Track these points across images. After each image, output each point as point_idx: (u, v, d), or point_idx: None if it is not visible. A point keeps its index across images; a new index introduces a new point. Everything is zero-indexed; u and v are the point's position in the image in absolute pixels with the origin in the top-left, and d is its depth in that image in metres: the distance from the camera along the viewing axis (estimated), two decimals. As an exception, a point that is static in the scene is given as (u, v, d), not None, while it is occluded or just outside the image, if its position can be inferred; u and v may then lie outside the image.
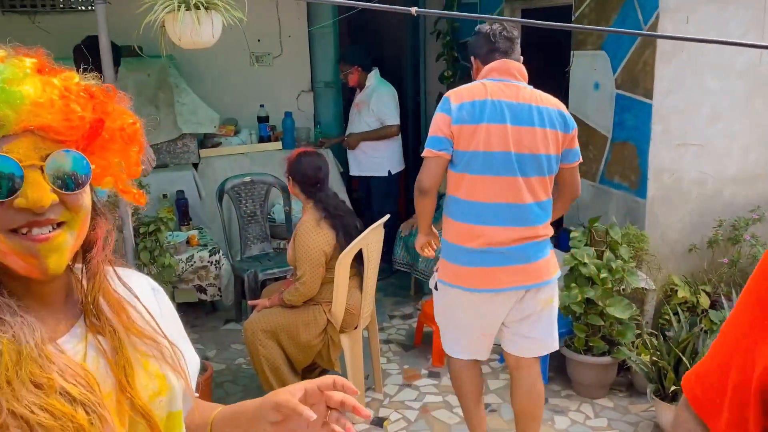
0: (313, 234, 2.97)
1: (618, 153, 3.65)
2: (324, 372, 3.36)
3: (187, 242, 3.92)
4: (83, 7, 4.75)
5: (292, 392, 0.95)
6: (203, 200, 4.64)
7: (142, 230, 2.92)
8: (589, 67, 3.85)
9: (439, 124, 2.48)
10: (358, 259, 3.11)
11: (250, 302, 3.35)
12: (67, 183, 0.83)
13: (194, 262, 3.85)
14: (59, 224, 0.84)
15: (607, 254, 3.26)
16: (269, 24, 5.22)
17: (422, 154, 2.51)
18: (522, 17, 4.61)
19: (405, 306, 4.52)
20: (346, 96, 5.51)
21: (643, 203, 3.47)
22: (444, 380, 3.53)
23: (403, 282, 4.75)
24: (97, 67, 3.52)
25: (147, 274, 3.09)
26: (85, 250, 0.93)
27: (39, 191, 0.80)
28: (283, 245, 4.56)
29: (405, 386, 3.51)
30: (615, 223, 3.38)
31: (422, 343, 3.90)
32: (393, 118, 4.74)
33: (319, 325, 3.00)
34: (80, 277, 0.93)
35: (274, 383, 2.97)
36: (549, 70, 4.70)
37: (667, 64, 3.29)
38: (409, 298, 4.63)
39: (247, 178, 4.45)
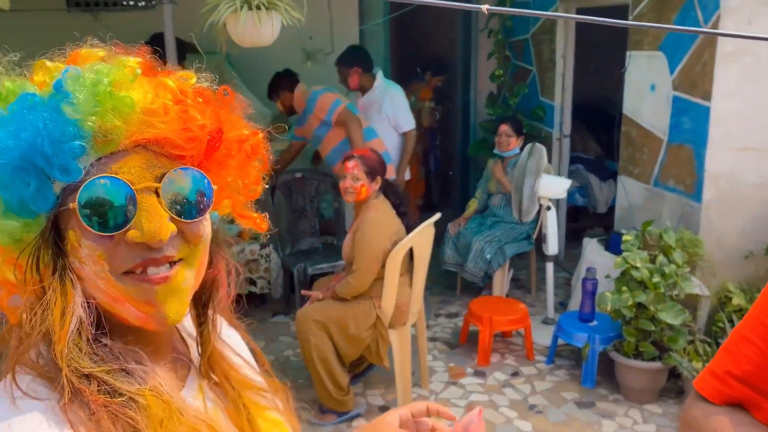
0: (377, 230, 3.02)
1: (674, 156, 3.59)
2: (371, 367, 3.40)
3: (239, 235, 4.01)
4: (143, 2, 4.89)
5: (391, 423, 0.88)
6: (255, 195, 4.73)
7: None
8: (645, 68, 3.78)
9: None
10: (410, 256, 3.15)
11: (303, 292, 3.41)
12: (188, 209, 0.68)
13: (245, 255, 3.94)
14: (176, 260, 0.69)
15: (660, 258, 3.21)
16: (321, 21, 5.29)
17: None
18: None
19: (451, 305, 4.53)
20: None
21: (698, 207, 3.40)
22: (489, 380, 3.53)
23: (450, 281, 4.76)
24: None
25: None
26: (203, 288, 0.78)
27: (156, 221, 0.64)
28: (332, 240, 4.62)
29: (451, 384, 3.53)
30: (669, 227, 3.32)
31: (468, 341, 3.90)
32: (411, 122, 4.48)
33: (369, 320, 3.05)
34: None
35: (322, 373, 3.03)
36: (604, 70, 4.64)
37: (728, 66, 3.22)
38: (455, 297, 4.64)
39: (298, 174, 4.53)
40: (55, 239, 0.66)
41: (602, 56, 4.86)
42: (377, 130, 4.27)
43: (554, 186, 3.97)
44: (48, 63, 0.68)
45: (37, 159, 0.62)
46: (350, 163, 3.04)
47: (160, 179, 0.66)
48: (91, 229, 0.64)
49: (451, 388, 3.49)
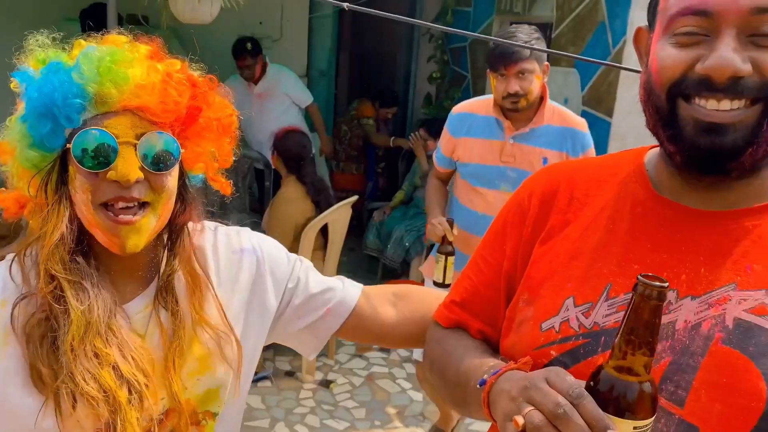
0: (288, 205, 3.25)
1: (578, 164, 3.93)
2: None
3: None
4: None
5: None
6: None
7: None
8: (562, 83, 4.12)
9: None
10: (324, 235, 3.38)
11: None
12: (156, 163, 0.88)
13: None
14: (144, 205, 0.89)
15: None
16: (272, 7, 5.43)
17: None
18: (509, 29, 4.87)
19: (370, 288, 4.78)
20: (339, 85, 5.73)
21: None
22: (392, 355, 3.80)
23: (372, 267, 5.01)
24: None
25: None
26: (172, 232, 0.98)
27: (129, 166, 0.85)
28: (259, 220, 4.81)
29: (356, 356, 3.79)
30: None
31: (380, 322, 4.15)
32: (309, 95, 4.80)
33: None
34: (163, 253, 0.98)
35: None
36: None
37: (629, 87, 3.57)
38: (375, 281, 4.89)
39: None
40: (60, 170, 0.90)
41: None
42: (281, 111, 4.55)
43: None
44: (83, 41, 0.91)
45: (51, 107, 0.86)
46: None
47: (139, 137, 0.87)
48: (81, 166, 0.86)
49: (355, 359, 3.75)
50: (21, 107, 0.89)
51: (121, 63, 0.87)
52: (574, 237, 0.91)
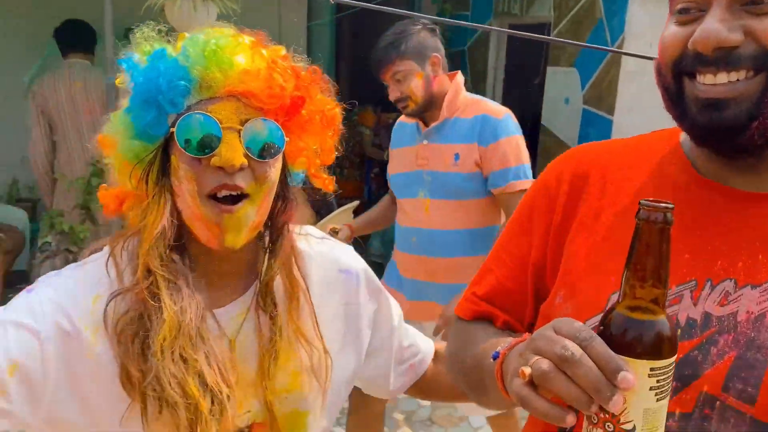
0: None
1: (580, 164, 3.91)
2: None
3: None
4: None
5: None
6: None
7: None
8: (562, 83, 4.11)
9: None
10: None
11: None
12: (260, 150, 0.85)
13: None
14: (244, 197, 0.85)
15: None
16: (269, 17, 5.45)
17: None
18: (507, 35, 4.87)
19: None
20: (340, 92, 5.72)
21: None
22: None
23: (377, 272, 4.98)
24: (80, 49, 3.68)
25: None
26: (273, 231, 0.94)
27: (233, 152, 0.82)
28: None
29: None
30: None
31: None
32: None
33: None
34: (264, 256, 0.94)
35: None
36: (528, 84, 4.97)
37: (629, 83, 3.55)
38: (379, 288, 4.87)
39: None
40: (162, 161, 0.87)
41: (529, 70, 5.19)
42: None
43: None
44: (186, 34, 0.89)
45: (156, 93, 0.83)
46: None
47: (243, 123, 0.84)
48: (185, 152, 0.83)
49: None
50: (125, 101, 0.88)
51: (227, 48, 0.85)
52: (612, 226, 0.84)
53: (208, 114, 0.83)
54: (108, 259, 0.88)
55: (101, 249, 0.91)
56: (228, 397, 0.84)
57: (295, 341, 0.92)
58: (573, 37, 3.97)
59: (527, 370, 0.64)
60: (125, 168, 0.89)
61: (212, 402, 0.82)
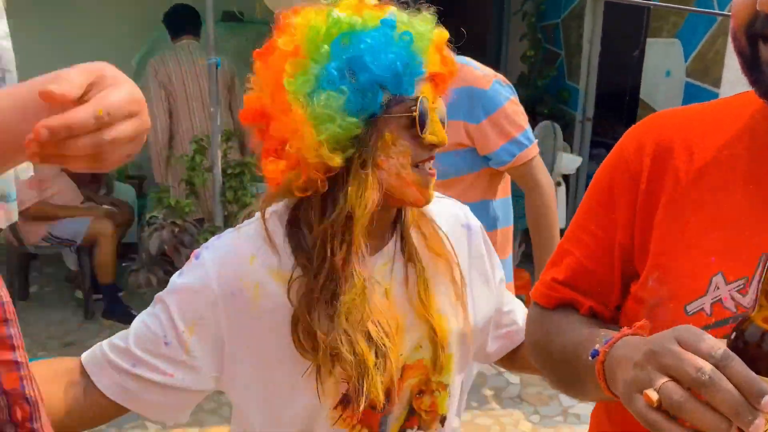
0: None
1: (682, 140, 3.72)
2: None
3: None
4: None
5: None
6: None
7: (228, 171, 3.31)
8: (662, 55, 3.91)
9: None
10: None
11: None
12: (442, 125, 0.94)
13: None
14: None
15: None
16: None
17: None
18: (604, 5, 4.67)
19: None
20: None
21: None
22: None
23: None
24: (190, 32, 3.86)
25: (229, 210, 3.38)
26: None
27: (441, 129, 0.92)
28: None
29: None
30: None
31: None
32: None
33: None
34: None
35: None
36: (626, 56, 4.76)
37: (738, 54, 3.33)
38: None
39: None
40: (368, 137, 0.88)
41: (626, 43, 4.97)
42: None
43: (568, 163, 4.18)
44: (368, 2, 0.91)
45: (387, 75, 0.86)
46: None
47: (434, 102, 0.93)
48: (413, 130, 0.89)
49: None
50: (320, 75, 0.85)
51: (424, 34, 0.91)
52: (706, 201, 0.79)
53: (424, 97, 0.90)
54: (259, 222, 0.95)
55: (253, 215, 0.98)
56: (390, 348, 0.90)
57: (437, 282, 0.99)
58: (677, 4, 3.76)
59: (654, 396, 0.60)
60: (326, 145, 0.86)
61: (376, 355, 0.89)
